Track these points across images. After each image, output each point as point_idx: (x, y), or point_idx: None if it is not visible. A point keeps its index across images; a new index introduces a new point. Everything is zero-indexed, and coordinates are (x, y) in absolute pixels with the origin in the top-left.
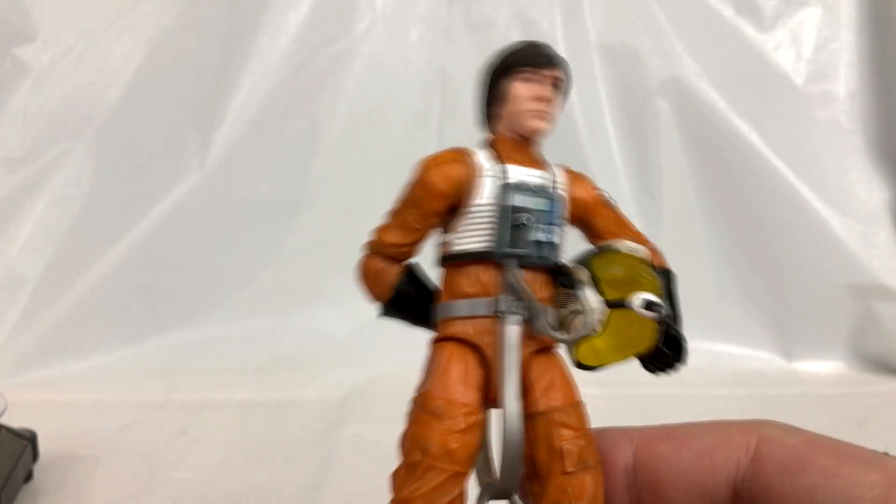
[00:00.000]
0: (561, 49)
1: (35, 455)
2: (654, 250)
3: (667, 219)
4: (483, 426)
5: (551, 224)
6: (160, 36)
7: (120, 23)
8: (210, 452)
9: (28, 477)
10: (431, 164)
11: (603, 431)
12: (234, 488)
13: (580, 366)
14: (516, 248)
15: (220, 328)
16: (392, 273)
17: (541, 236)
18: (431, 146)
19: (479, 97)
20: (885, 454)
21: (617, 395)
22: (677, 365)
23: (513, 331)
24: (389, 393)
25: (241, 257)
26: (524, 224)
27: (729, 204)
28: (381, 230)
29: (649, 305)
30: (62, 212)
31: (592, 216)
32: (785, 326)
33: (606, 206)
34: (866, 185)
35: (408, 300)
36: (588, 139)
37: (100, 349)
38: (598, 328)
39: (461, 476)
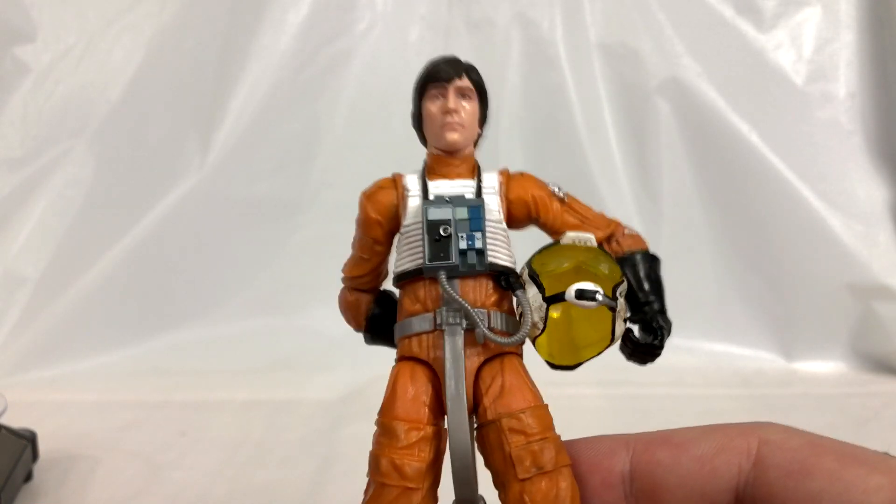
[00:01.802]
0: (561, 49)
1: (35, 455)
2: (625, 235)
3: (667, 219)
4: (435, 439)
5: (474, 231)
6: (160, 36)
7: (120, 23)
8: (210, 452)
9: (28, 477)
10: (364, 196)
11: (598, 439)
12: (234, 488)
13: (554, 367)
14: (440, 260)
15: (220, 328)
16: (364, 302)
17: (463, 245)
18: None
19: (413, 122)
20: (887, 455)
21: (617, 395)
22: (656, 352)
23: (453, 342)
24: None
25: (241, 257)
26: (443, 236)
27: (729, 204)
28: (346, 265)
29: (580, 294)
30: (62, 212)
31: (541, 213)
32: (785, 326)
33: (556, 200)
34: (866, 185)
35: (384, 326)
36: (588, 139)
37: (100, 349)
38: (540, 325)
39: (412, 491)
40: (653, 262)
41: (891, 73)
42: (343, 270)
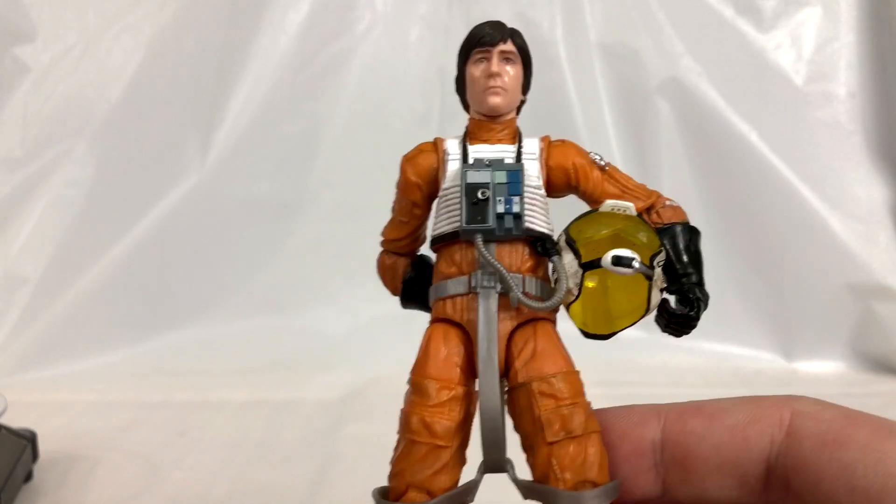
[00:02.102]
0: (561, 49)
1: (35, 455)
2: (665, 206)
3: None
4: (466, 399)
5: (512, 195)
6: (160, 36)
7: (120, 23)
8: (210, 452)
9: (28, 477)
10: (404, 160)
11: (629, 408)
12: (234, 488)
13: (588, 335)
14: (477, 223)
15: (220, 328)
16: (401, 266)
17: (501, 208)
18: None
19: (456, 87)
20: None
21: (617, 395)
22: (692, 323)
23: (486, 305)
24: (389, 393)
25: (241, 257)
26: (481, 199)
27: (729, 204)
28: (385, 228)
29: (618, 261)
30: (62, 212)
31: (581, 181)
32: (785, 326)
33: (596, 168)
34: (866, 185)
35: (419, 289)
36: (588, 139)
37: (100, 349)
38: (575, 291)
39: (441, 449)
40: (693, 234)
41: (891, 73)
42: (382, 233)
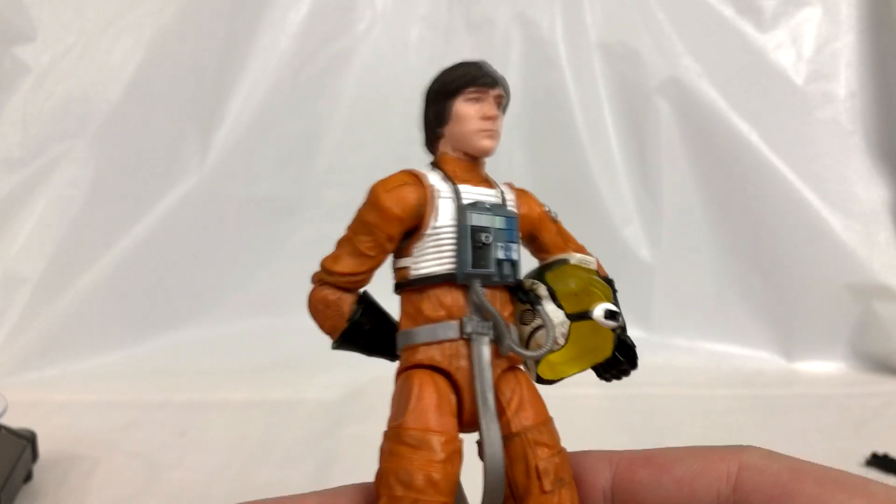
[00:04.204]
0: (561, 49)
1: (35, 455)
2: (597, 262)
3: (667, 219)
4: (461, 453)
5: (510, 241)
6: (160, 36)
7: (120, 23)
8: (210, 452)
9: (28, 477)
10: (383, 191)
11: (583, 454)
12: (234, 488)
13: (539, 380)
14: (479, 268)
15: (220, 328)
16: (346, 303)
17: (501, 254)
18: None
19: (423, 119)
20: (867, 479)
21: (617, 395)
22: (630, 371)
23: (480, 352)
24: (389, 393)
25: (241, 257)
26: (485, 243)
27: (729, 204)
28: (332, 259)
29: (610, 315)
30: (62, 212)
31: (539, 231)
32: (785, 326)
33: (551, 220)
34: (866, 185)
35: (363, 330)
36: (588, 139)
37: (100, 349)
38: (562, 341)
39: None
40: (614, 288)
41: (891, 73)
42: (327, 264)
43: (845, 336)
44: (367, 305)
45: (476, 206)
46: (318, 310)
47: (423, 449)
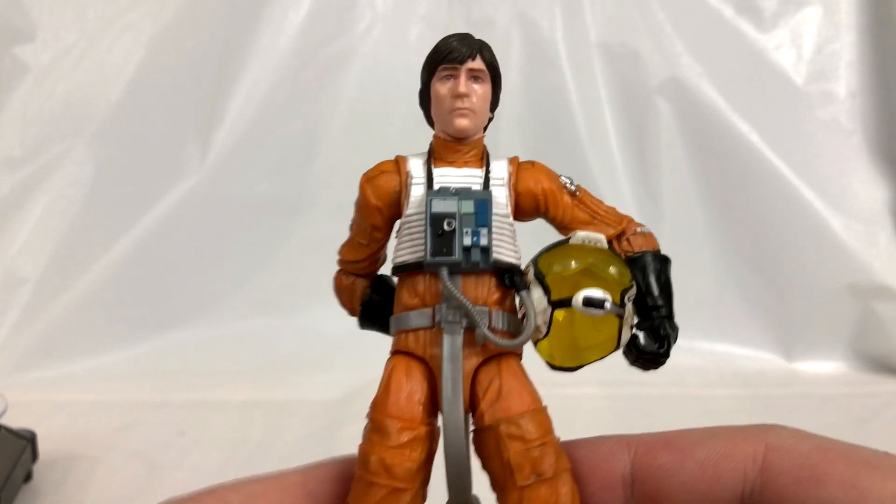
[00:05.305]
0: (561, 49)
1: (35, 455)
2: (636, 234)
3: (667, 219)
4: (428, 439)
5: (481, 226)
6: (160, 36)
7: (120, 23)
8: (210, 452)
9: (28, 477)
10: (364, 179)
11: (599, 440)
12: None
13: (555, 368)
14: (443, 255)
15: (220, 328)
16: (359, 287)
17: (467, 241)
18: None
19: (420, 101)
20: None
21: (617, 395)
22: (661, 360)
23: (451, 341)
24: None
25: (241, 257)
26: (446, 230)
27: (729, 204)
28: (342, 248)
29: (590, 302)
30: (62, 212)
31: (551, 207)
32: (785, 326)
33: (566, 193)
34: (866, 185)
35: (379, 311)
36: (588, 139)
37: (100, 349)
38: (543, 329)
39: (401, 492)
40: (663, 263)
41: (891, 73)
42: (339, 253)
43: (845, 336)
44: (381, 288)
45: (440, 192)
46: (339, 293)
47: (382, 434)
